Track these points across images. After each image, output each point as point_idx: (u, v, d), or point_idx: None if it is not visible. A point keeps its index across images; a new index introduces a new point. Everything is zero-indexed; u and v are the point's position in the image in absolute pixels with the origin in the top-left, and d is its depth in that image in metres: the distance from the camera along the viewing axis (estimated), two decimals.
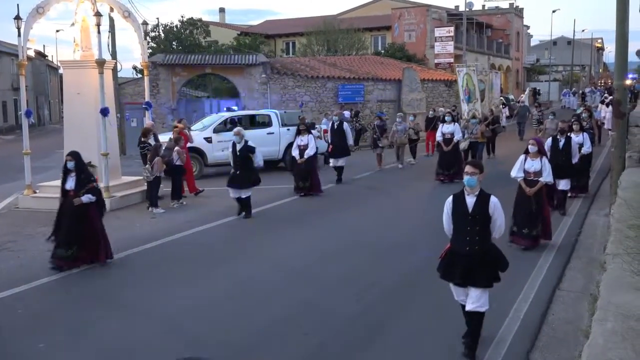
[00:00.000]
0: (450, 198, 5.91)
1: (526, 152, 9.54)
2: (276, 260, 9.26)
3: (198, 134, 17.78)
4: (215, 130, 18.15)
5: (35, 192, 14.11)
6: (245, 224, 11.86)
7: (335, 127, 16.79)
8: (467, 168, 5.79)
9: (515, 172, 9.54)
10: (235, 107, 21.56)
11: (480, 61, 46.76)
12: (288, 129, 18.57)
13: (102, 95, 13.47)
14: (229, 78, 27.93)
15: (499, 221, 5.82)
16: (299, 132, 14.86)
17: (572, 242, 9.82)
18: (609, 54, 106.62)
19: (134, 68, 38.97)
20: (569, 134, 12.22)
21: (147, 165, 13.13)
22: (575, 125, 12.91)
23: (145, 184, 13.57)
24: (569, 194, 12.35)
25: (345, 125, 17.00)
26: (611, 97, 27.14)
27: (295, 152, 14.78)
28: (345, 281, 8.14)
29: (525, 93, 33.49)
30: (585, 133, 13.15)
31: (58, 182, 13.95)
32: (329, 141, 17.07)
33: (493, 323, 6.30)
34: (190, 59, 27.34)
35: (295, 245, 10.15)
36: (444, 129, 16.30)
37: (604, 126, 25.36)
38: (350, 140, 17.48)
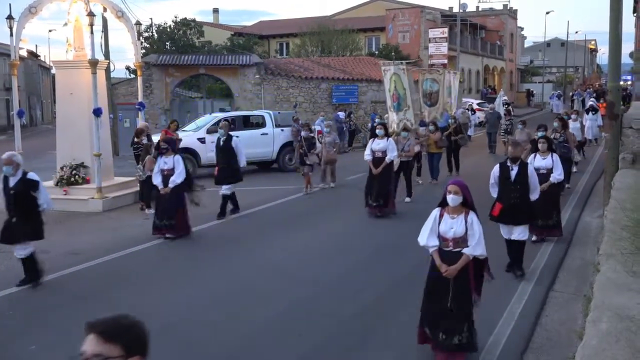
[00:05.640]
0: None
1: (443, 203, 5.74)
2: (272, 261, 9.23)
3: (191, 134, 17.79)
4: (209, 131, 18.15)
5: None
6: (242, 225, 11.82)
7: (222, 143, 12.19)
8: None
9: (425, 239, 5.73)
10: (228, 107, 21.41)
11: (474, 62, 47.01)
12: (282, 130, 18.81)
13: (95, 95, 13.41)
14: (223, 79, 27.91)
15: None
16: (161, 153, 10.75)
17: (564, 247, 9.84)
18: (603, 56, 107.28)
19: (127, 68, 38.89)
20: (524, 160, 8.79)
21: (139, 165, 13.15)
22: (541, 143, 9.78)
23: (138, 184, 13.56)
24: (534, 239, 9.42)
25: (235, 141, 12.20)
26: (592, 103, 25.99)
27: (157, 180, 10.58)
28: (340, 282, 8.12)
29: (499, 94, 31.06)
30: (554, 154, 9.91)
31: (50, 183, 14.04)
32: (215, 160, 12.81)
33: (487, 325, 6.29)
34: (184, 60, 27.32)
35: (292, 247, 10.12)
36: (374, 145, 12.05)
37: (587, 135, 21.29)
38: (242, 162, 12.49)
